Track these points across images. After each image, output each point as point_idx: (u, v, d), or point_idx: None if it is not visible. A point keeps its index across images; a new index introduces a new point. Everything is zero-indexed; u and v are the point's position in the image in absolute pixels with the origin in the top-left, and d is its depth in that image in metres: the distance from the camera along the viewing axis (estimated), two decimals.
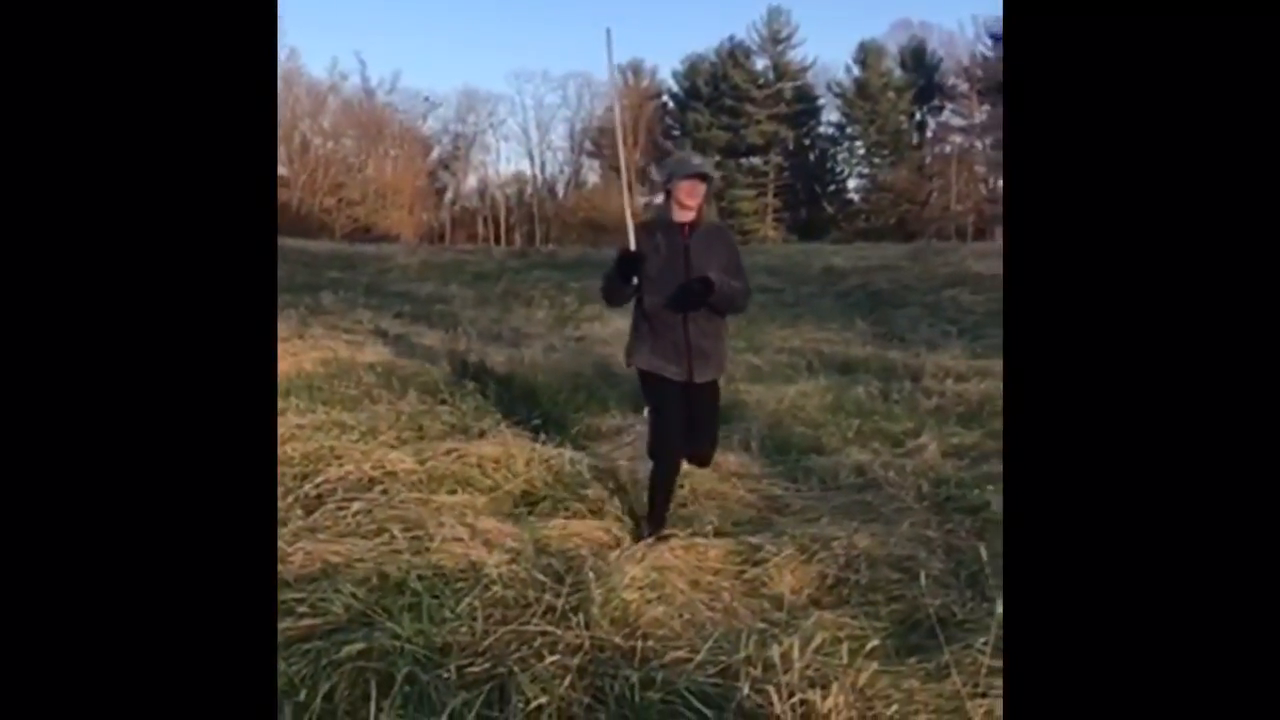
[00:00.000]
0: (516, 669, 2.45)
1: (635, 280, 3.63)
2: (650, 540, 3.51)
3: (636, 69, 49.52)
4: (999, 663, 2.50)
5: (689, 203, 3.64)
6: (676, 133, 47.23)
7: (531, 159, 53.27)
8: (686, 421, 3.74)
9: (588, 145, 51.97)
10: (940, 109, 47.91)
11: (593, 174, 52.38)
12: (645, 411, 4.12)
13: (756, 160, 46.46)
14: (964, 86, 46.26)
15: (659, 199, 3.81)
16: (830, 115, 48.87)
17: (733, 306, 3.79)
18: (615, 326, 10.81)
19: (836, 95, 47.93)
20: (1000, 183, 45.32)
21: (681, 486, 4.48)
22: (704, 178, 3.66)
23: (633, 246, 3.60)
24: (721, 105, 46.31)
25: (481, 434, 5.06)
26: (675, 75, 50.09)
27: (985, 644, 2.76)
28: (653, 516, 3.81)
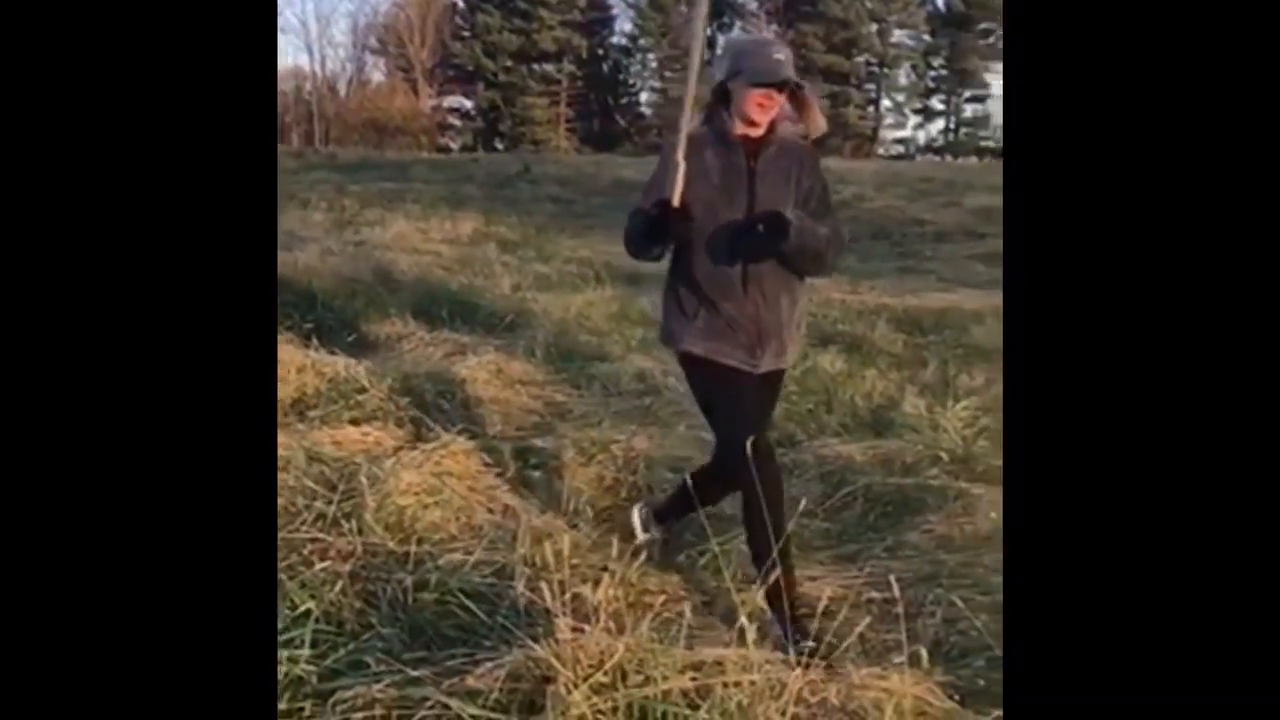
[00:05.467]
0: (284, 576, 2.36)
1: (669, 246, 2.54)
2: (429, 446, 3.44)
3: None
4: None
5: (758, 119, 2.47)
6: (466, 34, 45.53)
7: (310, 54, 50.06)
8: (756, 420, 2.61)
9: (372, 42, 49.27)
10: (730, 26, 48.56)
11: (377, 72, 49.84)
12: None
13: (549, 67, 45.61)
14: (753, 5, 47.04)
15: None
16: (623, 26, 48.62)
17: (818, 261, 2.57)
18: (397, 230, 10.45)
19: (630, 5, 47.62)
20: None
21: (464, 393, 4.43)
22: (784, 87, 2.45)
23: (676, 194, 2.39)
24: (514, 8, 44.93)
25: None
26: None
27: None
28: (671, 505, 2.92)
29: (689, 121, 2.41)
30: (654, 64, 48.07)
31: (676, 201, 2.38)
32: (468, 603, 2.31)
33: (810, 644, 2.22)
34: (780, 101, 2.46)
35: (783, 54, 2.46)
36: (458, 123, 47.01)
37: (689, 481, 2.81)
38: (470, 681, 1.92)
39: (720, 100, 2.53)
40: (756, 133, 2.50)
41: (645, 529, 2.97)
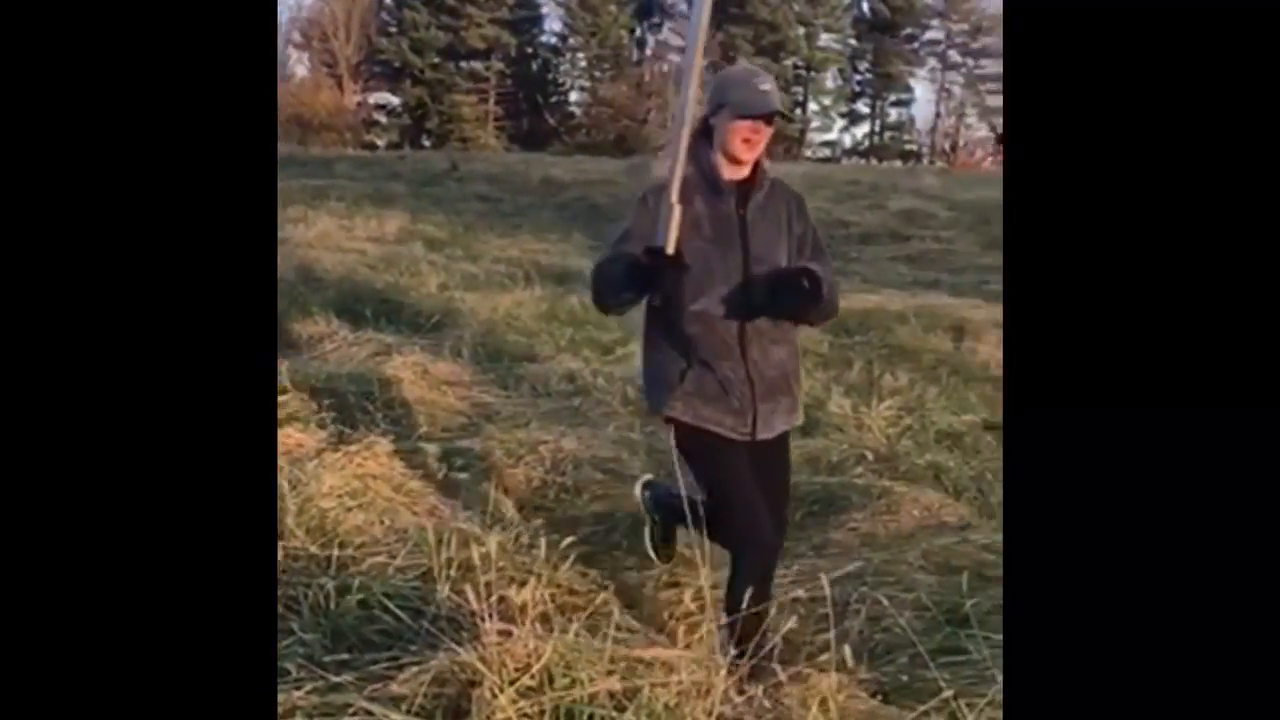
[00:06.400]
0: None
1: (657, 298, 2.27)
2: (353, 448, 3.38)
3: None
4: (693, 552, 2.65)
5: (743, 156, 2.29)
6: (393, 29, 44.88)
7: None
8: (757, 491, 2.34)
9: (295, 36, 48.28)
10: (659, 26, 48.72)
11: (300, 67, 48.83)
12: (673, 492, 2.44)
13: (478, 65, 45.19)
14: (683, 6, 47.24)
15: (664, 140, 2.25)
16: (553, 25, 48.43)
17: (829, 314, 2.42)
18: (321, 228, 10.25)
19: (559, 4, 47.46)
20: None
21: (388, 395, 4.36)
22: (772, 120, 2.29)
23: (671, 241, 2.11)
24: (441, 4, 44.43)
25: None
26: None
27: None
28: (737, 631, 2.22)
29: (683, 160, 2.14)
30: (583, 63, 48.00)
31: (672, 249, 2.11)
32: (391, 606, 2.27)
33: (734, 651, 2.13)
34: (767, 136, 2.29)
35: (768, 84, 2.29)
36: (384, 119, 46.29)
37: (690, 506, 2.48)
38: (394, 687, 1.88)
39: (704, 137, 2.32)
40: (743, 174, 2.32)
41: (646, 507, 2.81)
